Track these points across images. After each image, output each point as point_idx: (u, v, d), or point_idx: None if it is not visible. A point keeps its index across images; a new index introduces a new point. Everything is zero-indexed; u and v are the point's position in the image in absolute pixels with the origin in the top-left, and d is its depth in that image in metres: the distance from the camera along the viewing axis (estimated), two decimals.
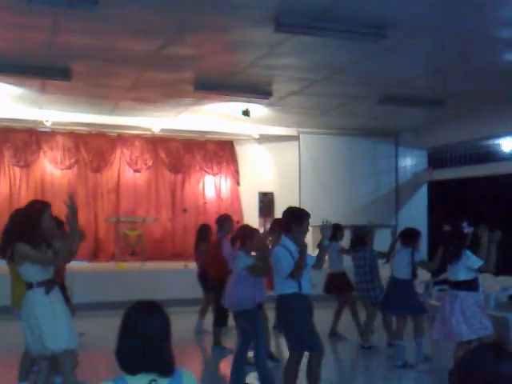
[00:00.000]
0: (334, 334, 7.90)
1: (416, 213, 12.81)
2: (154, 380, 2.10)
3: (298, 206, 12.21)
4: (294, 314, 4.65)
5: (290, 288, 4.62)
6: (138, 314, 2.15)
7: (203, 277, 7.72)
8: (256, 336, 5.39)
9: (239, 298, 5.47)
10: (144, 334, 2.10)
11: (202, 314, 8.09)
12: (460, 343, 5.42)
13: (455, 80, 8.49)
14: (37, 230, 4.16)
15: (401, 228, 8.03)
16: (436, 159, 13.23)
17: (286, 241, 4.71)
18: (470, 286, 5.41)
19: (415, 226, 7.56)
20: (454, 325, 5.32)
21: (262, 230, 10.74)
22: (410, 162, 13.27)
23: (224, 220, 7.23)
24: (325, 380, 5.22)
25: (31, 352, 4.28)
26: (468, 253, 5.39)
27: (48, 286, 4.21)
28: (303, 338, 4.68)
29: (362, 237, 7.36)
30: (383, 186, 13.01)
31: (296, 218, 4.74)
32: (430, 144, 12.97)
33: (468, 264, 5.37)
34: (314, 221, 12.71)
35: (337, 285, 7.83)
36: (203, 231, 8.13)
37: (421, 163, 13.32)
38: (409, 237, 6.63)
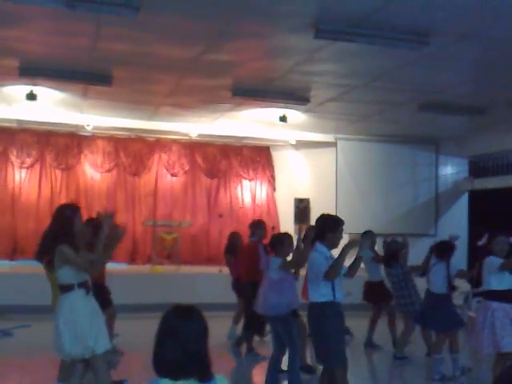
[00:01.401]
0: (369, 344, 7.77)
1: (456, 222, 12.52)
2: None
3: (334, 213, 12.18)
4: (327, 322, 4.58)
5: (323, 296, 4.57)
6: (177, 317, 2.13)
7: (237, 284, 7.72)
8: (290, 342, 5.35)
9: (273, 303, 5.43)
10: (182, 339, 2.08)
11: (236, 320, 8.08)
12: (498, 356, 5.25)
13: (497, 88, 8.29)
14: (71, 233, 4.23)
15: (440, 238, 7.86)
16: (477, 168, 12.92)
17: (320, 247, 4.68)
18: (502, 296, 5.23)
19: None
20: (486, 337, 5.17)
21: (295, 237, 10.74)
22: (450, 170, 13.00)
23: (257, 225, 7.18)
24: None
25: (68, 354, 4.31)
26: (492, 258, 5.22)
27: (87, 287, 4.27)
28: (332, 348, 4.60)
29: (395, 252, 7.23)
30: (422, 195, 12.76)
31: (330, 224, 4.72)
32: (471, 152, 12.69)
33: (491, 268, 5.22)
34: (351, 228, 12.63)
35: (373, 293, 7.72)
36: (230, 241, 8.17)
37: (462, 172, 13.03)
38: (443, 250, 6.47)
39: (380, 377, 7.08)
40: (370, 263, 7.69)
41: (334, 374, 4.62)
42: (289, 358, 5.36)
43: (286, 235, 5.82)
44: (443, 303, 6.34)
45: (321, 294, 4.57)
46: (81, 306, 4.22)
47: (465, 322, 6.70)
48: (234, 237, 8.26)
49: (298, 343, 5.58)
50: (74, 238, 4.24)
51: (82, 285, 4.24)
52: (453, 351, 6.31)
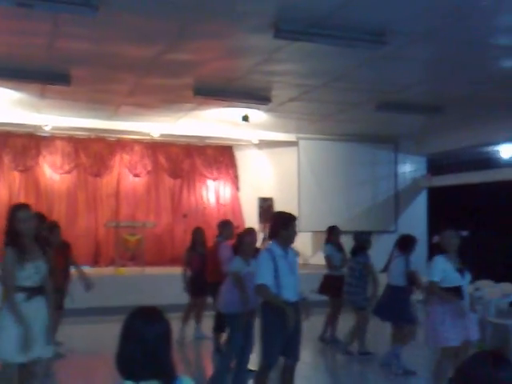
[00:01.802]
0: (334, 340, 7.88)
1: (415, 219, 12.81)
2: None
3: (296, 211, 12.31)
4: (266, 318, 4.62)
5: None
6: (139, 319, 2.13)
7: (194, 281, 7.72)
8: (229, 341, 5.43)
9: (226, 300, 5.55)
10: (145, 341, 2.07)
11: (198, 318, 8.06)
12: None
13: (454, 87, 8.51)
14: (13, 232, 4.11)
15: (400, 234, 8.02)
16: (435, 165, 13.25)
17: (273, 245, 4.70)
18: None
19: (414, 232, 7.57)
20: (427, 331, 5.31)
21: (261, 235, 10.81)
22: (409, 168, 13.28)
23: (224, 225, 7.21)
24: None
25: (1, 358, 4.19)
26: (437, 257, 5.22)
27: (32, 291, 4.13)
28: (263, 344, 4.66)
29: (362, 243, 7.35)
30: (382, 192, 13.01)
31: (282, 221, 4.71)
32: (429, 150, 12.99)
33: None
34: (313, 226, 12.72)
35: (333, 287, 7.80)
36: (192, 236, 8.15)
37: (420, 169, 13.34)
38: (405, 244, 6.62)
39: (341, 373, 7.19)
40: (337, 257, 7.84)
41: (259, 368, 4.72)
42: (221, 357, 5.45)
43: (246, 233, 5.82)
44: (398, 296, 6.47)
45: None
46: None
47: (416, 320, 6.62)
48: (195, 232, 8.22)
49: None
50: (17, 237, 4.08)
51: (25, 289, 4.07)
52: (395, 342, 6.49)
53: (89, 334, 8.40)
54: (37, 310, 4.10)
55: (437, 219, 12.73)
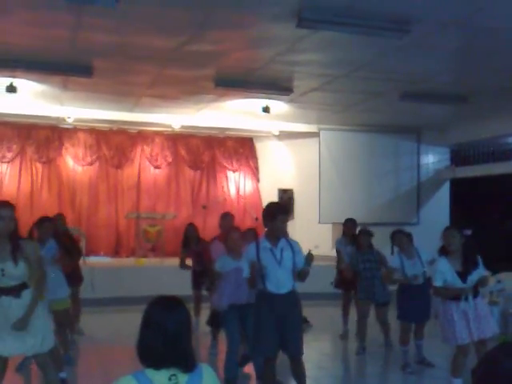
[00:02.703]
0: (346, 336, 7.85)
1: (438, 211, 12.65)
2: (175, 375, 2.11)
3: (317, 203, 12.22)
4: (255, 310, 4.62)
5: (258, 285, 4.60)
6: (160, 308, 2.16)
7: (196, 275, 7.76)
8: (226, 336, 5.42)
9: (216, 296, 5.59)
10: (165, 329, 2.11)
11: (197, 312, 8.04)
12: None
13: (479, 76, 8.35)
14: None
15: (422, 226, 7.92)
16: (459, 156, 13.06)
17: (262, 237, 4.68)
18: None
19: (437, 224, 7.45)
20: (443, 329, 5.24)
21: None
22: (432, 159, 13.10)
23: (222, 217, 6.99)
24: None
25: None
26: (441, 259, 5.14)
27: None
28: (253, 336, 4.65)
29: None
30: (405, 184, 12.86)
31: (268, 213, 4.61)
32: (452, 141, 12.81)
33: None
34: (334, 218, 12.64)
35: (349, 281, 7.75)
36: (184, 233, 8.09)
37: (443, 160, 13.15)
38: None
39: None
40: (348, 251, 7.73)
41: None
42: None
43: (231, 229, 5.74)
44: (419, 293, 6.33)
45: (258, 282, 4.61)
46: None
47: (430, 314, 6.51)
48: (187, 229, 8.15)
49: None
50: None
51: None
52: (417, 337, 6.40)
53: (109, 324, 8.49)
54: (8, 308, 4.09)
55: (460, 211, 12.58)
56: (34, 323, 4.16)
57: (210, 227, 11.83)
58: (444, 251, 5.07)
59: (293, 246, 4.66)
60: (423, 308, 6.29)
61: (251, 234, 5.99)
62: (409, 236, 6.44)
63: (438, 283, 5.01)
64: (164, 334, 2.10)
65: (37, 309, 4.18)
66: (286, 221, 4.67)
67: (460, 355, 5.06)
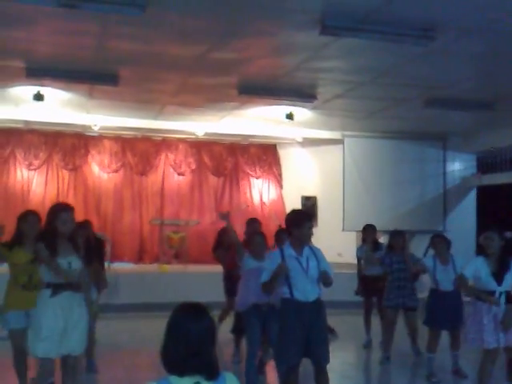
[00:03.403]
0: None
1: (464, 218, 12.46)
2: (198, 382, 2.11)
3: (341, 210, 12.14)
4: (280, 318, 4.57)
5: (283, 293, 4.55)
6: (184, 315, 2.16)
7: (225, 280, 7.62)
8: (248, 339, 5.39)
9: (237, 299, 5.62)
10: (189, 336, 2.11)
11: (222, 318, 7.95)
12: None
13: (505, 82, 8.24)
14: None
15: (449, 234, 7.80)
16: (485, 163, 12.85)
17: (286, 244, 4.63)
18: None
19: (463, 231, 7.34)
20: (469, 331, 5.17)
21: None
22: (458, 166, 12.92)
23: (248, 223, 6.90)
24: None
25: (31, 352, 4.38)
26: (476, 258, 5.11)
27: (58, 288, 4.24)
28: (277, 345, 4.60)
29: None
30: (430, 191, 12.70)
31: (294, 221, 4.57)
32: (478, 148, 12.62)
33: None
34: (359, 226, 12.53)
35: (373, 288, 7.66)
36: (219, 236, 7.96)
37: (469, 167, 12.97)
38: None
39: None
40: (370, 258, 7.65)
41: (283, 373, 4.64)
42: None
43: (255, 236, 5.72)
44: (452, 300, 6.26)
45: (280, 290, 4.57)
46: (42, 305, 4.20)
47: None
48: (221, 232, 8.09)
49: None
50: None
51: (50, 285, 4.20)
52: (454, 348, 6.28)
53: (133, 330, 8.53)
54: (68, 309, 4.25)
55: (486, 219, 12.36)
56: (81, 322, 4.27)
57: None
58: (481, 251, 5.04)
59: (316, 253, 4.63)
60: (453, 315, 6.18)
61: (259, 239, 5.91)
62: (448, 242, 6.38)
63: (466, 272, 4.98)
64: (187, 341, 2.10)
65: (81, 309, 4.29)
66: (312, 227, 4.64)
67: (487, 362, 4.97)
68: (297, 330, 4.45)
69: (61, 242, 4.24)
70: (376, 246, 7.72)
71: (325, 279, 4.56)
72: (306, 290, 4.49)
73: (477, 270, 4.96)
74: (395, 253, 6.92)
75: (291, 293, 4.48)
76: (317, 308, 4.56)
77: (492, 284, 4.93)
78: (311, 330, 4.48)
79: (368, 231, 7.72)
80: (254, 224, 6.82)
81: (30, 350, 4.31)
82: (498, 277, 4.92)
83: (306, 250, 4.58)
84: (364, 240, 7.80)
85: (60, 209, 4.35)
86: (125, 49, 7.00)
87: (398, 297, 6.83)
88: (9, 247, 4.84)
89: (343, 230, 11.81)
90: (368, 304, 7.81)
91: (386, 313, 7.02)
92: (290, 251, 4.53)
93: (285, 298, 4.55)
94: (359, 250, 7.93)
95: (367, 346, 7.72)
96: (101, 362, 6.24)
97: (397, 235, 7.02)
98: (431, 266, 6.22)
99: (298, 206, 12.74)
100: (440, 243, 6.28)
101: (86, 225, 6.55)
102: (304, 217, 4.62)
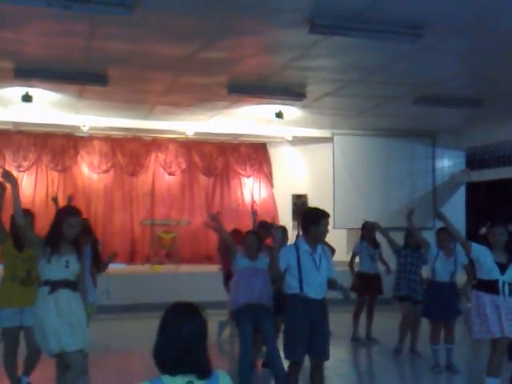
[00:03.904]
0: (369, 338, 7.81)
1: (454, 215, 12.39)
2: (191, 381, 2.12)
3: (332, 208, 12.19)
4: (288, 313, 4.61)
5: (291, 289, 4.58)
6: (177, 315, 2.18)
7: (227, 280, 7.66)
8: (240, 338, 5.41)
9: (229, 298, 5.68)
10: (182, 336, 2.12)
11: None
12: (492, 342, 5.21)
13: (493, 80, 8.30)
14: None
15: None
16: (474, 160, 12.94)
17: (300, 240, 4.70)
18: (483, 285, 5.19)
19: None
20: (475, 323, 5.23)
21: (295, 233, 10.76)
22: (447, 163, 13.01)
23: (261, 226, 6.60)
24: None
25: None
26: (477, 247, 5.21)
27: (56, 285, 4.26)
28: (286, 340, 4.62)
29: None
30: (420, 188, 12.78)
31: (312, 218, 4.64)
32: (467, 145, 12.71)
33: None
34: (349, 223, 12.59)
35: (368, 286, 7.76)
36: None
37: (459, 164, 13.05)
38: None
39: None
40: (366, 254, 7.75)
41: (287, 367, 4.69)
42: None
43: (248, 234, 5.74)
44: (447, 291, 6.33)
45: (289, 286, 4.60)
46: (42, 302, 4.22)
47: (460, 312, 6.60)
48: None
49: None
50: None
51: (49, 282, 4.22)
52: (448, 341, 6.36)
53: (125, 330, 8.52)
54: (66, 303, 4.28)
55: (475, 215, 12.45)
56: (83, 318, 4.32)
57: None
58: (486, 243, 5.14)
59: (327, 253, 4.72)
60: (448, 306, 6.29)
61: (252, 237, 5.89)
62: (452, 236, 6.48)
63: (472, 242, 5.12)
64: (179, 341, 2.11)
65: (81, 307, 4.32)
66: (328, 224, 4.71)
67: (497, 352, 5.04)
68: (305, 326, 4.50)
69: (64, 243, 4.30)
70: (375, 243, 7.84)
71: (331, 287, 4.67)
72: (316, 287, 4.55)
73: (481, 253, 5.07)
74: (411, 249, 7.11)
75: (301, 287, 4.51)
76: (323, 305, 4.65)
77: (495, 272, 5.03)
78: (316, 326, 4.54)
79: (367, 228, 7.81)
80: (267, 228, 6.38)
81: (45, 352, 4.31)
82: (503, 267, 5.03)
83: (319, 248, 4.65)
84: (363, 236, 7.88)
85: (69, 213, 4.40)
86: (114, 49, 6.97)
87: (407, 288, 7.00)
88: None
89: (334, 227, 11.82)
90: (360, 301, 7.86)
91: (402, 305, 7.13)
92: (305, 246, 4.59)
93: (293, 294, 4.57)
94: (358, 246, 7.98)
95: (355, 339, 7.81)
96: (92, 363, 6.21)
97: (409, 234, 7.15)
98: (434, 253, 6.35)
99: (289, 204, 12.79)
100: (444, 236, 6.40)
101: (88, 227, 6.45)
102: (321, 214, 4.67)
